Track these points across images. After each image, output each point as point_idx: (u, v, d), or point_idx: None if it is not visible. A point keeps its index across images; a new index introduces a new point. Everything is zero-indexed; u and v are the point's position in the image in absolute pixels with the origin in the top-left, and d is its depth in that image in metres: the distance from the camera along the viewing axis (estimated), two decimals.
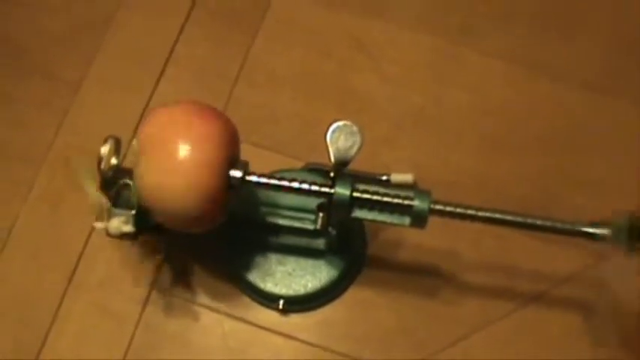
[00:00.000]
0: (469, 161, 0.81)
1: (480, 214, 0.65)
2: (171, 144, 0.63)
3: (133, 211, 0.67)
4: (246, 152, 0.80)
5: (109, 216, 0.67)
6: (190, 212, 0.64)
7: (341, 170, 0.64)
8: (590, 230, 0.65)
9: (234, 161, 0.65)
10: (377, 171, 0.76)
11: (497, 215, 0.65)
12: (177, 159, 0.63)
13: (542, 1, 0.88)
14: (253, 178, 0.66)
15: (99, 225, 0.68)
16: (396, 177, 0.76)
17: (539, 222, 0.65)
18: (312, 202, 0.72)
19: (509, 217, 0.65)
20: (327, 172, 0.73)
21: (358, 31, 0.86)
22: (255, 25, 0.86)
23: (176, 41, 0.86)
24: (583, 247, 0.76)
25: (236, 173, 0.65)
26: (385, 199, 0.64)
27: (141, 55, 0.86)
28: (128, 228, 0.67)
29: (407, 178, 0.76)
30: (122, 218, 0.67)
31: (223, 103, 0.83)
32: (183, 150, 0.63)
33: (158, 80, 0.85)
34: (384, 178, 0.76)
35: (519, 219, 0.65)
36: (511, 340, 0.75)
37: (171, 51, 0.86)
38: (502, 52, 0.85)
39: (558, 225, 0.65)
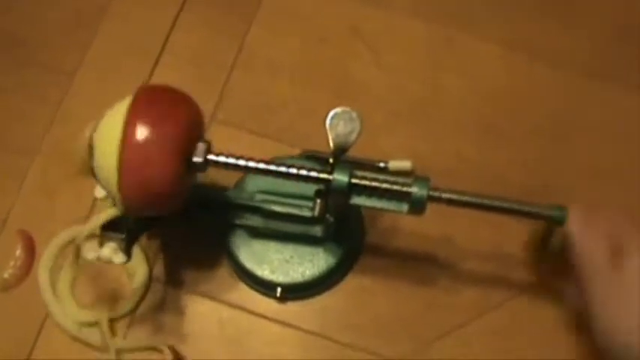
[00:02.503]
0: (467, 149, 0.81)
1: (478, 200, 0.65)
2: (129, 125, 0.62)
3: (123, 235, 0.67)
4: (241, 139, 0.80)
5: (100, 242, 0.67)
6: (150, 193, 0.63)
7: (340, 156, 0.64)
8: (549, 213, 0.65)
9: (196, 141, 0.64)
10: (375, 158, 0.76)
11: (488, 201, 0.65)
12: (136, 139, 0.61)
13: None
14: (221, 159, 0.65)
15: (90, 255, 0.67)
16: (394, 164, 0.76)
17: (496, 203, 0.65)
18: (310, 189, 0.71)
19: (486, 201, 0.65)
20: (324, 160, 0.73)
21: (355, 18, 0.85)
22: (251, 12, 0.86)
23: (171, 29, 0.85)
24: None
25: (198, 153, 0.64)
26: (384, 185, 0.64)
27: (136, 44, 0.85)
28: (119, 259, 0.66)
29: (405, 165, 0.76)
30: (112, 245, 0.66)
31: (219, 91, 0.83)
32: (142, 129, 0.61)
33: (153, 69, 0.84)
34: (382, 165, 0.76)
35: (486, 201, 0.65)
36: (507, 328, 0.74)
37: (167, 39, 0.85)
38: (500, 39, 0.84)
39: (516, 206, 0.65)
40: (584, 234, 0.64)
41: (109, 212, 0.66)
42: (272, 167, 0.65)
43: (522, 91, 0.83)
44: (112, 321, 0.74)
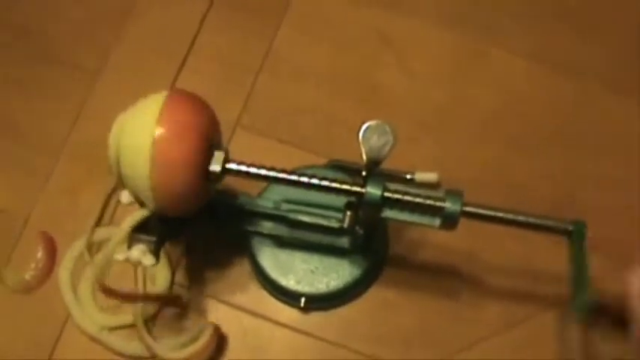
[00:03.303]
0: (491, 159, 0.80)
1: (492, 213, 0.64)
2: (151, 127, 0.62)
3: (153, 238, 0.67)
4: (266, 146, 0.80)
5: (130, 243, 0.66)
6: (168, 195, 0.63)
7: (373, 169, 0.63)
8: (566, 227, 0.65)
9: (214, 148, 0.65)
10: (400, 168, 0.76)
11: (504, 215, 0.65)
12: (166, 149, 0.62)
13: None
14: (233, 167, 0.65)
15: (119, 257, 0.67)
16: (421, 176, 0.76)
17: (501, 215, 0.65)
18: (336, 200, 0.70)
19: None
20: (351, 170, 0.73)
21: (383, 26, 0.85)
22: (279, 16, 0.85)
23: (198, 31, 0.85)
24: (605, 253, 0.76)
25: (215, 164, 0.64)
26: (417, 200, 0.63)
27: (162, 45, 0.85)
28: (148, 261, 0.66)
29: (431, 177, 0.76)
30: (141, 247, 0.66)
31: (245, 95, 0.82)
32: (161, 134, 0.62)
33: (179, 70, 0.84)
34: (409, 176, 0.76)
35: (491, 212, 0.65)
36: (531, 344, 0.74)
37: (193, 41, 0.85)
38: (526, 51, 0.84)
39: (533, 220, 0.65)
40: None
41: (136, 215, 0.66)
42: (299, 178, 0.65)
43: (546, 102, 0.83)
44: (133, 325, 0.73)
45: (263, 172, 0.65)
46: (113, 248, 0.67)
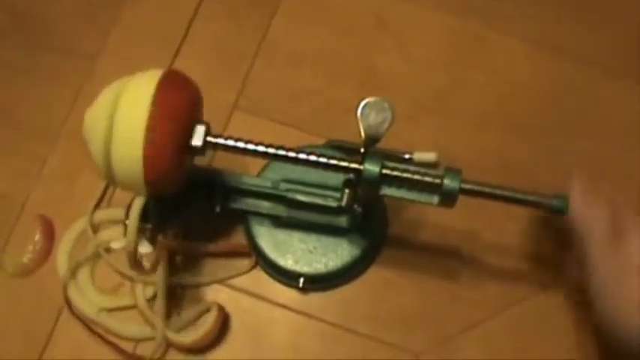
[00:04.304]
0: (490, 142, 0.80)
1: (510, 194, 0.64)
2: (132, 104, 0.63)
3: (149, 225, 0.66)
4: (265, 128, 0.80)
5: (125, 232, 0.66)
6: (148, 170, 0.63)
7: (371, 147, 0.63)
8: (548, 202, 0.65)
9: (195, 123, 0.64)
10: (397, 149, 0.76)
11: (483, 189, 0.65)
12: (137, 116, 0.62)
13: None
14: (220, 141, 0.65)
15: (116, 245, 0.67)
16: (419, 155, 0.76)
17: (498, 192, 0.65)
18: (334, 179, 0.71)
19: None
20: (350, 150, 0.73)
21: (381, 9, 0.85)
22: (275, 0, 0.85)
23: (194, 16, 0.85)
24: None
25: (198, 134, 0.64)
26: (415, 177, 0.63)
27: (158, 31, 0.84)
28: (145, 248, 0.66)
29: (430, 157, 0.76)
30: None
31: (242, 79, 0.82)
32: (143, 108, 0.62)
33: (175, 56, 0.84)
34: (407, 156, 0.76)
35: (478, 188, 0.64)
36: (530, 323, 0.74)
37: (189, 26, 0.85)
38: (526, 35, 0.84)
39: (515, 195, 0.65)
40: (585, 201, 0.64)
41: (137, 205, 0.65)
42: (298, 155, 0.64)
43: (545, 87, 0.83)
44: (132, 308, 0.73)
45: (250, 146, 0.65)
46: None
